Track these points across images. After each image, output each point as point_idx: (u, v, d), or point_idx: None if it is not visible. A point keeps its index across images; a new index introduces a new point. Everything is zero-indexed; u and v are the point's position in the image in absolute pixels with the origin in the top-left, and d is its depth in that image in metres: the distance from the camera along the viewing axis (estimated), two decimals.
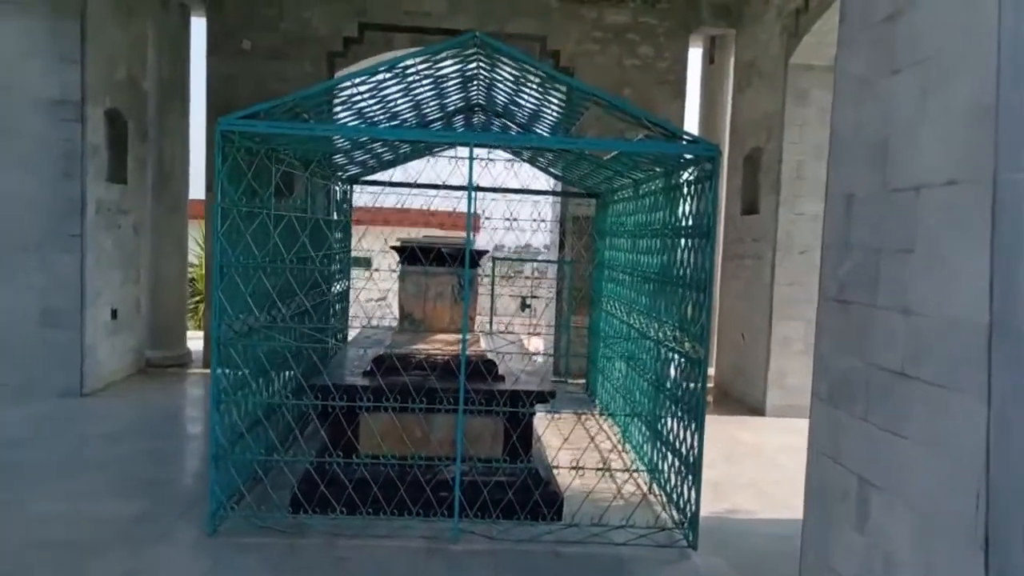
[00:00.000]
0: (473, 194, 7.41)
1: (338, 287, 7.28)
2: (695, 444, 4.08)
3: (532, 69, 3.91)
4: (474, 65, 4.36)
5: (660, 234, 5.18)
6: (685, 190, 4.48)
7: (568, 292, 8.53)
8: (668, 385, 4.66)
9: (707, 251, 4.01)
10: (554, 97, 4.58)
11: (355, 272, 7.78)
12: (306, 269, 5.52)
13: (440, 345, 4.82)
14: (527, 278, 8.17)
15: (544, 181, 8.64)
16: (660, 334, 4.96)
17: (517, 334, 7.33)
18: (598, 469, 4.79)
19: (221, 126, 3.82)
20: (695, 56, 9.69)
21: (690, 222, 4.36)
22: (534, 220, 7.32)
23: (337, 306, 7.47)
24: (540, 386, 4.63)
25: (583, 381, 8.41)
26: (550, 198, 9.21)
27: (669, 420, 4.44)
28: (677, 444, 4.39)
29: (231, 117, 3.82)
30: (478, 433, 4.53)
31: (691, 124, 10.51)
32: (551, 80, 4.02)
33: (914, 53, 2.22)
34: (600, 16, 9.26)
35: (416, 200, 8.12)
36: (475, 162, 7.70)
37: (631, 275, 6.01)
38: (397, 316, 5.36)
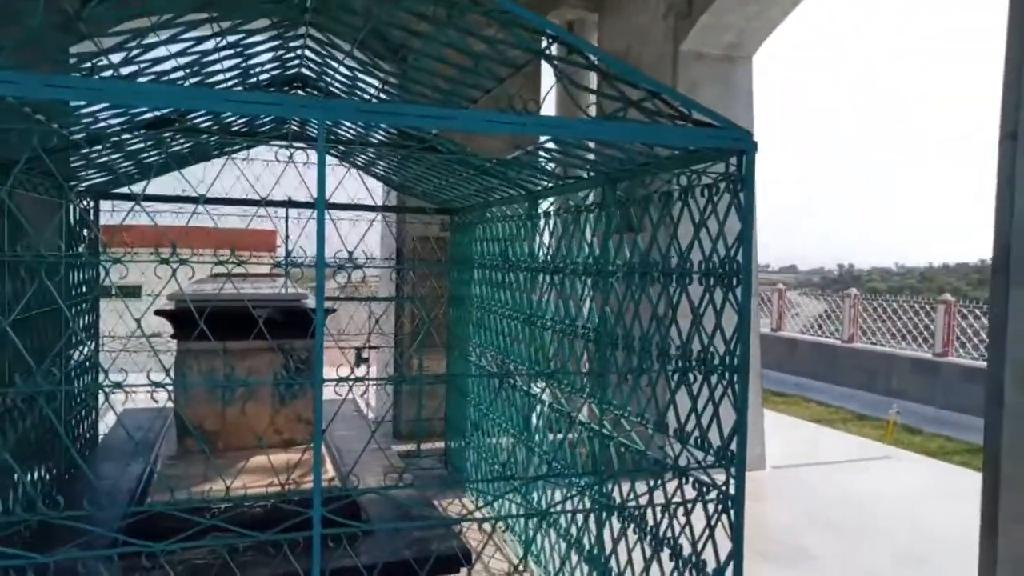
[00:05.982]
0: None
1: (82, 352, 4.81)
2: None
3: None
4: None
5: (597, 272, 3.46)
6: (686, 199, 2.79)
7: (421, 336, 6.60)
8: (654, 520, 2.92)
9: (743, 303, 2.32)
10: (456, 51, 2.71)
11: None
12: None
13: (255, 478, 2.73)
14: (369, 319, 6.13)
15: (370, 192, 6.67)
16: (609, 424, 3.23)
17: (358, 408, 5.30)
18: None
19: None
20: None
21: (687, 253, 2.67)
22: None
23: (84, 378, 4.99)
24: (443, 545, 2.69)
25: (436, 445, 6.55)
26: (378, 216, 7.23)
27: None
28: None
29: None
30: None
31: None
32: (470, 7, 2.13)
33: None
34: None
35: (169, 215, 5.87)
36: (289, 167, 5.54)
37: (532, 325, 4.23)
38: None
